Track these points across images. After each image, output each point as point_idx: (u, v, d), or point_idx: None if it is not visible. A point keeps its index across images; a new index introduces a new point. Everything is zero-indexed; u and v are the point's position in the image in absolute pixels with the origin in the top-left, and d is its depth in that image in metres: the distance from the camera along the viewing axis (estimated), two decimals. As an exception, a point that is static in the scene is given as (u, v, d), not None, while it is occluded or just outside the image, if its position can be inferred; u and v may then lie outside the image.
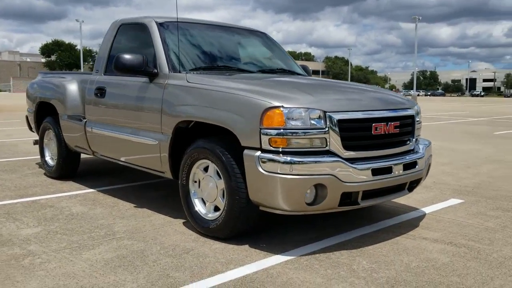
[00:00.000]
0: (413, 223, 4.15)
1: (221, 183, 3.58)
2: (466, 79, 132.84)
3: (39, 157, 6.36)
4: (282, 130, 3.19)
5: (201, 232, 3.76)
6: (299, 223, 4.06)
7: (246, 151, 3.31)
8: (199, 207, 3.82)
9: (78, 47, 76.58)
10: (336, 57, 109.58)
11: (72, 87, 5.41)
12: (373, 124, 3.52)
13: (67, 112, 5.40)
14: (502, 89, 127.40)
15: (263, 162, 3.20)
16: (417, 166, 3.79)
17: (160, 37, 4.36)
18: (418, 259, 3.29)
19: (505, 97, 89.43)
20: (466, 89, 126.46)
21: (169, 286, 2.82)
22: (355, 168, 3.30)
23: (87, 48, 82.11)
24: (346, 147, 3.34)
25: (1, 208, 4.52)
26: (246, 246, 3.50)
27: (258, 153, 3.24)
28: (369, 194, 3.49)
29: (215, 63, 4.59)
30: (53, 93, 5.69)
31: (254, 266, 3.14)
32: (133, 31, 4.87)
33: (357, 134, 3.45)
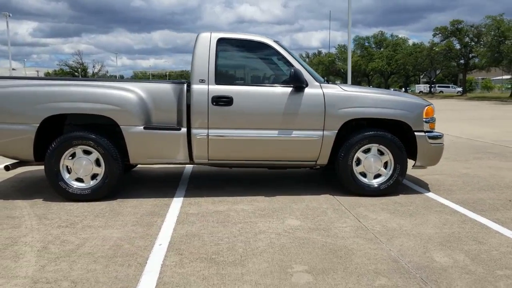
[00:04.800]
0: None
1: (385, 158, 5.44)
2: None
3: None
4: (433, 118, 5.53)
5: (365, 194, 5.41)
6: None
7: (417, 133, 5.40)
8: (362, 178, 5.46)
9: None
10: None
11: (144, 97, 5.14)
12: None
13: (140, 123, 5.10)
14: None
15: (431, 138, 5.44)
16: None
17: (291, 55, 5.41)
18: None
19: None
20: None
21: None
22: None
23: None
24: (431, 127, 5.97)
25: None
26: (404, 195, 5.55)
27: (425, 134, 5.43)
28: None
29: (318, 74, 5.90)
30: (109, 103, 5.03)
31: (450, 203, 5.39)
32: (242, 47, 5.44)
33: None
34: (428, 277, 3.19)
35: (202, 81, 5.20)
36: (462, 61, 54.11)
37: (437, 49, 53.52)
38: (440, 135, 5.54)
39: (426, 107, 5.48)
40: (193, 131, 5.18)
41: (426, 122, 5.45)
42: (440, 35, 52.87)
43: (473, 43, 51.38)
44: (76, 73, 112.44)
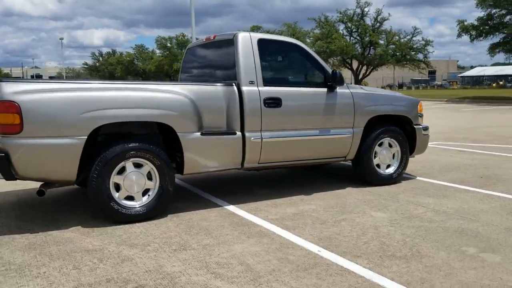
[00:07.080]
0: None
1: (393, 150, 6.12)
2: None
3: None
4: (422, 113, 6.42)
5: (382, 183, 6.00)
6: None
7: (416, 127, 6.22)
8: (378, 169, 6.03)
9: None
10: None
11: (195, 100, 4.74)
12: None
13: (196, 129, 4.71)
14: None
15: (423, 130, 6.32)
16: None
17: (320, 58, 5.63)
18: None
19: None
20: None
21: (467, 191, 5.75)
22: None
23: None
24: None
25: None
26: (404, 181, 6.31)
27: (420, 126, 6.29)
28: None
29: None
30: (167, 109, 4.49)
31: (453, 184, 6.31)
32: (277, 49, 5.45)
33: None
34: (559, 240, 3.93)
35: (252, 83, 5.03)
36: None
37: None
38: (428, 127, 6.46)
39: (419, 103, 6.34)
40: (247, 134, 4.98)
41: (420, 116, 6.31)
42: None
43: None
44: None
